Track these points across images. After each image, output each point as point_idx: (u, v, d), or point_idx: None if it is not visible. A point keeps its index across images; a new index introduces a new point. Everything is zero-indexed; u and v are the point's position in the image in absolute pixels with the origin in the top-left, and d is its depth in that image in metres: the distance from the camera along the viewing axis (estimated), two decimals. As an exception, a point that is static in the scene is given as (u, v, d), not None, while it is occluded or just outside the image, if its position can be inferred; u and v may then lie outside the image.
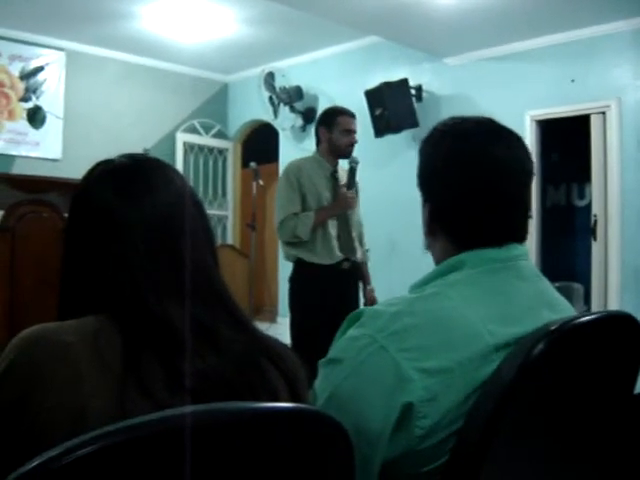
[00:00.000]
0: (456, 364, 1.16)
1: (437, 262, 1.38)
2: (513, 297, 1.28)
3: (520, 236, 1.36)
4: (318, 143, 4.64)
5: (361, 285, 4.78)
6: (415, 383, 1.15)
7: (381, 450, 1.16)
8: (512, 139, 1.37)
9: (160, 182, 1.17)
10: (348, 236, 4.64)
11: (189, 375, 1.01)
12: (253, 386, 1.07)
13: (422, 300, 1.26)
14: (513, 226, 1.35)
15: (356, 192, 4.66)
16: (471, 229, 1.33)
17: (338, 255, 4.46)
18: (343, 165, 4.67)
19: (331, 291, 4.37)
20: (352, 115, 4.62)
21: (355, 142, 4.56)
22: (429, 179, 1.39)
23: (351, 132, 4.54)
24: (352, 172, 4.57)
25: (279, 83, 8.83)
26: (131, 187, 1.16)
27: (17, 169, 7.87)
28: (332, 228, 4.51)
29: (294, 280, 4.61)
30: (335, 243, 4.49)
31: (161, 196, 1.15)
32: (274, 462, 0.88)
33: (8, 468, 0.88)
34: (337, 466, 0.94)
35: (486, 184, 1.32)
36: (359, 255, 4.68)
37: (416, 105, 7.54)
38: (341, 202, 4.54)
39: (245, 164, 9.61)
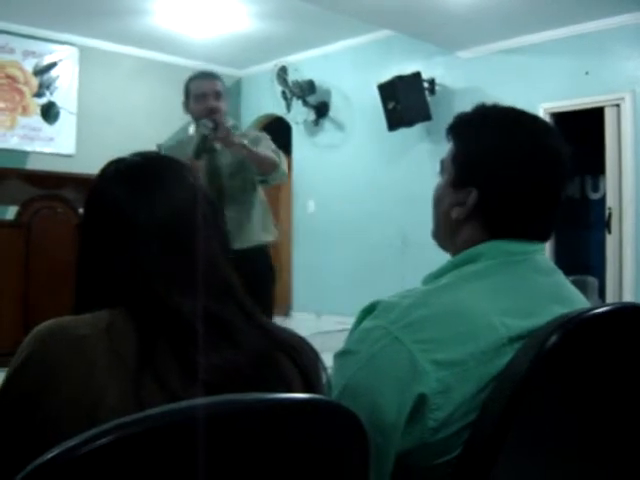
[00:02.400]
0: (470, 356, 1.16)
1: (459, 248, 1.35)
2: (528, 290, 1.28)
3: (547, 235, 1.36)
4: None
5: None
6: (429, 375, 1.15)
7: (395, 441, 1.16)
8: (554, 130, 1.37)
9: (171, 179, 1.19)
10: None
11: (204, 367, 1.02)
12: (268, 379, 1.08)
13: (437, 292, 1.26)
14: (548, 222, 1.35)
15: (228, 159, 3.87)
16: (515, 218, 1.31)
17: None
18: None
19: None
20: (208, 76, 3.98)
21: (214, 106, 3.78)
22: (477, 165, 1.34)
23: (206, 96, 3.81)
24: (202, 141, 3.73)
25: (292, 77, 8.83)
26: (143, 184, 1.18)
27: (31, 165, 7.90)
28: None
29: None
30: None
31: (172, 193, 1.17)
32: (290, 453, 0.88)
33: (24, 458, 0.89)
34: (352, 457, 0.95)
35: (546, 177, 1.32)
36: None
37: (429, 99, 7.53)
38: None
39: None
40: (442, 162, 1.42)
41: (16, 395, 1.01)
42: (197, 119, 3.83)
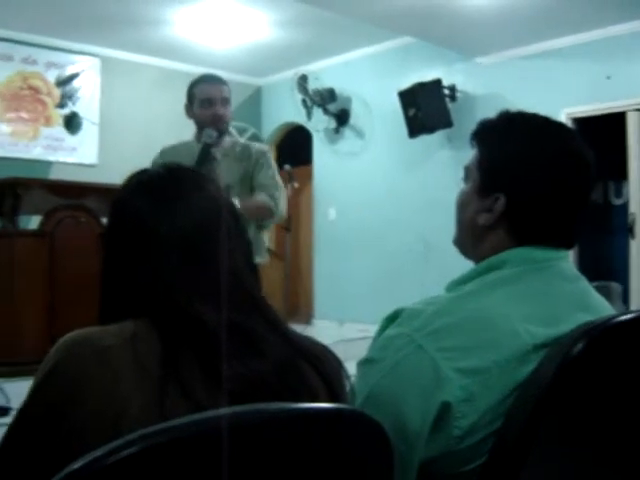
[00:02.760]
0: (494, 364, 1.16)
1: (484, 255, 1.34)
2: (553, 297, 1.27)
3: (572, 242, 1.36)
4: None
5: None
6: (453, 383, 1.14)
7: (419, 449, 1.16)
8: (578, 136, 1.37)
9: (194, 190, 1.20)
10: None
11: (228, 377, 1.02)
12: (292, 388, 1.08)
13: (460, 299, 1.25)
14: (573, 230, 1.35)
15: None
16: (543, 224, 1.31)
17: None
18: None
19: None
20: (215, 80, 3.84)
21: (220, 113, 3.71)
22: (503, 171, 1.33)
23: (212, 101, 3.72)
24: (204, 150, 3.66)
25: (312, 85, 8.84)
26: (165, 196, 1.19)
27: (54, 174, 7.97)
28: None
29: None
30: None
31: (194, 204, 1.18)
32: (314, 463, 0.88)
33: (49, 469, 0.90)
34: (377, 466, 0.94)
35: (574, 184, 1.31)
36: None
37: (450, 105, 7.52)
38: None
39: (279, 166, 9.62)
40: (466, 168, 1.41)
41: (42, 405, 1.02)
42: (201, 125, 3.75)
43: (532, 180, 1.31)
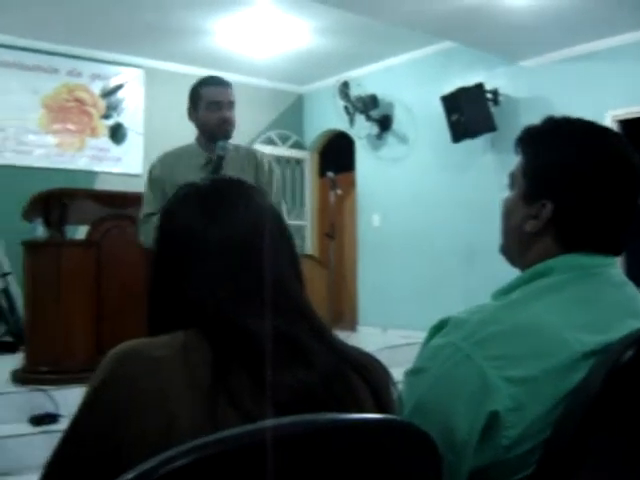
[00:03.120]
0: (543, 372, 1.14)
1: (530, 263, 1.33)
2: (601, 304, 1.26)
3: (620, 249, 1.34)
4: (195, 127, 3.82)
5: None
6: (501, 392, 1.13)
7: (467, 459, 1.15)
8: (626, 141, 1.35)
9: (240, 201, 1.21)
10: None
11: (277, 388, 1.03)
12: (340, 398, 1.08)
13: (508, 308, 1.24)
14: (622, 236, 1.33)
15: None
16: (590, 232, 1.30)
17: None
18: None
19: None
20: (223, 83, 3.72)
21: (228, 117, 3.67)
22: (550, 177, 1.32)
23: (221, 104, 3.64)
24: (218, 162, 3.61)
25: (354, 92, 8.84)
26: (213, 207, 1.20)
27: (100, 185, 8.07)
28: None
29: None
30: None
31: (242, 215, 1.19)
32: (363, 473, 0.88)
33: (101, 479, 0.91)
34: (425, 476, 0.94)
35: (621, 191, 1.30)
36: None
37: (493, 109, 7.46)
38: None
39: (322, 174, 9.67)
40: (511, 175, 1.40)
41: (94, 417, 1.04)
42: (206, 128, 3.69)
43: (579, 186, 1.29)
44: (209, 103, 3.64)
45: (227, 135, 3.67)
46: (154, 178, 3.77)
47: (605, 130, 1.38)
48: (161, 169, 3.77)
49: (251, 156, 3.84)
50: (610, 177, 1.29)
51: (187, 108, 3.79)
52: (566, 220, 1.30)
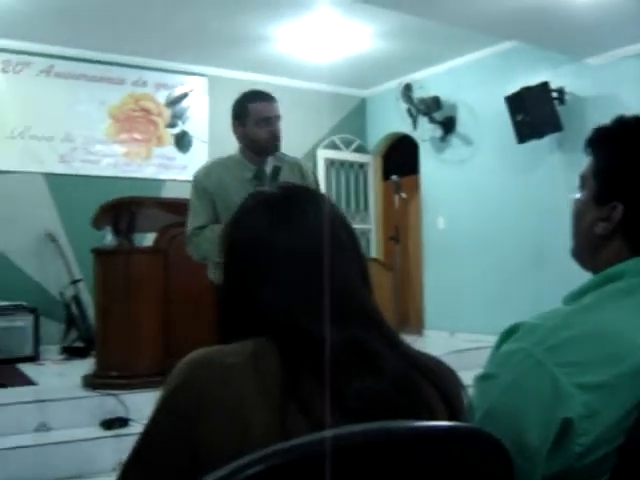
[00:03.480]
0: (616, 379, 1.12)
1: (602, 266, 1.31)
2: (675, 309, 1.22)
3: None
4: (238, 140, 3.83)
5: None
6: (574, 399, 1.11)
7: (540, 466, 1.13)
8: None
9: (309, 209, 1.22)
10: None
11: (348, 395, 1.03)
12: (411, 405, 1.08)
13: (579, 313, 1.22)
14: None
15: None
16: None
17: None
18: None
19: None
20: (269, 99, 3.76)
21: (277, 132, 3.70)
22: (621, 179, 1.30)
23: (270, 120, 3.68)
24: (275, 173, 3.65)
25: (417, 94, 8.80)
26: (281, 215, 1.20)
27: (166, 193, 8.19)
28: None
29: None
30: None
31: (311, 222, 1.19)
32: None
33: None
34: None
35: None
36: None
37: (559, 108, 7.34)
38: None
39: (386, 177, 9.65)
40: (582, 177, 1.38)
41: (167, 422, 1.05)
42: (254, 143, 3.70)
43: None
44: (259, 119, 3.67)
45: (276, 149, 3.70)
46: (202, 189, 3.73)
47: None
48: (209, 180, 3.75)
49: (295, 166, 3.87)
50: None
51: (232, 122, 3.80)
52: (636, 222, 1.28)
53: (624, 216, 1.28)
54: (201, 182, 3.75)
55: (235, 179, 3.68)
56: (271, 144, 3.67)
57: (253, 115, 3.67)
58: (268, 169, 3.69)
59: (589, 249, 1.36)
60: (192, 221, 3.70)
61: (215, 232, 3.54)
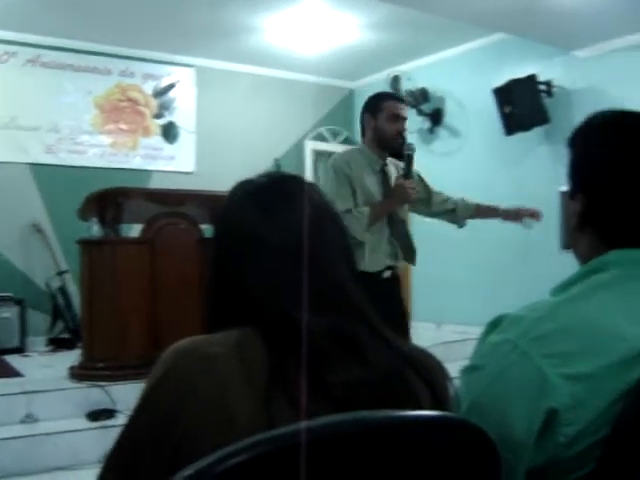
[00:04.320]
0: (601, 369, 1.12)
1: (582, 260, 1.34)
2: (661, 300, 1.23)
3: None
4: (363, 133, 4.21)
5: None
6: (559, 389, 1.12)
7: (525, 458, 1.13)
8: None
9: (298, 199, 1.21)
10: (405, 235, 4.26)
11: (333, 385, 1.03)
12: (397, 396, 1.08)
13: (565, 304, 1.23)
14: None
15: (417, 181, 4.27)
16: (626, 226, 1.28)
17: (385, 262, 4.05)
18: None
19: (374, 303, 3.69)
20: (401, 100, 4.25)
21: (404, 130, 4.12)
22: (589, 171, 1.33)
23: (399, 118, 4.08)
24: (409, 160, 4.08)
25: (405, 86, 8.80)
26: (270, 205, 1.20)
27: (153, 183, 8.18)
28: (385, 227, 4.07)
29: None
30: (386, 247, 4.06)
31: (299, 212, 1.18)
32: (421, 471, 0.88)
33: (159, 476, 0.91)
34: (484, 474, 0.93)
35: None
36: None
37: (547, 101, 7.34)
38: (400, 194, 4.03)
39: (373, 169, 9.63)
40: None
41: (151, 412, 1.05)
42: (381, 137, 4.05)
43: (607, 179, 1.29)
44: (390, 115, 4.04)
45: (399, 146, 4.09)
46: (344, 176, 3.99)
47: (634, 122, 1.34)
48: (348, 167, 4.03)
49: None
50: (635, 171, 1.27)
51: (362, 116, 4.17)
52: (600, 214, 1.30)
53: (587, 209, 1.31)
54: (342, 169, 4.01)
55: (367, 169, 4.06)
56: (396, 141, 4.06)
57: (387, 111, 4.05)
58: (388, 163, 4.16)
59: (571, 242, 1.38)
60: (340, 204, 3.80)
61: (365, 215, 3.88)
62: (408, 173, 4.06)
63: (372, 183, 4.05)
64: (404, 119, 4.12)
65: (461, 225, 4.83)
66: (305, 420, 0.85)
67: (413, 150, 4.07)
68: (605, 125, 1.36)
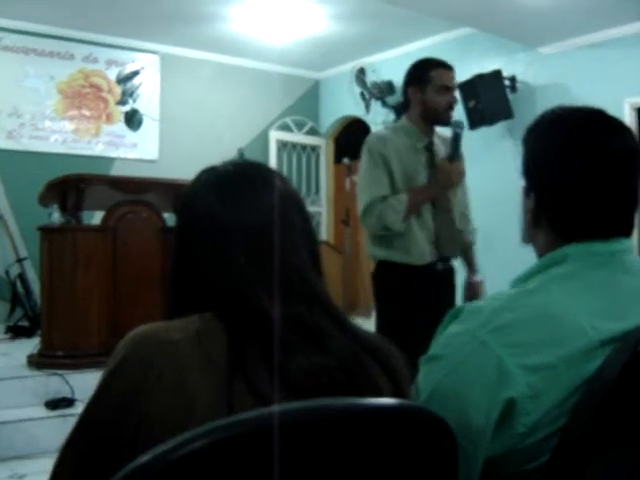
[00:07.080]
0: (559, 360, 1.14)
1: (540, 254, 1.36)
2: (618, 292, 1.25)
3: (627, 229, 1.33)
4: (406, 108, 3.64)
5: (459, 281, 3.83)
6: (518, 379, 1.13)
7: (483, 447, 1.15)
8: (625, 132, 1.33)
9: (261, 186, 1.21)
10: (450, 226, 3.62)
11: (293, 372, 1.03)
12: (357, 383, 1.09)
13: (524, 295, 1.24)
14: (621, 219, 1.32)
15: (463, 164, 3.69)
16: (578, 221, 1.30)
17: (433, 253, 3.52)
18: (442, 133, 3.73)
19: (425, 296, 3.42)
20: (450, 67, 3.57)
21: (455, 102, 3.56)
22: (537, 168, 1.36)
23: (450, 89, 3.52)
24: (456, 140, 3.56)
25: (370, 78, 8.82)
26: (234, 192, 1.20)
27: (116, 171, 8.12)
28: (428, 216, 3.53)
29: (381, 283, 3.60)
30: (430, 237, 3.52)
31: (262, 200, 1.19)
32: (379, 458, 0.88)
33: (117, 461, 0.91)
34: (441, 463, 0.94)
35: (598, 176, 1.28)
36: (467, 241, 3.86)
37: (510, 96, 7.42)
38: (444, 178, 3.52)
39: (338, 160, 9.65)
40: None
41: (109, 399, 1.05)
42: (429, 110, 3.51)
43: (556, 178, 1.31)
44: (440, 86, 3.49)
45: (449, 120, 3.56)
46: (379, 156, 3.50)
47: (589, 119, 1.35)
48: (385, 148, 3.51)
49: (446, 141, 3.71)
50: (579, 165, 1.29)
51: (404, 87, 3.62)
52: (552, 212, 1.33)
53: (539, 206, 1.34)
54: (377, 149, 3.53)
55: (408, 148, 3.53)
56: (447, 114, 3.52)
57: (435, 82, 3.49)
58: (435, 140, 3.60)
59: (529, 237, 1.40)
60: (374, 189, 3.45)
61: (402, 202, 3.39)
62: (455, 154, 3.54)
63: (416, 164, 3.52)
64: (455, 89, 3.59)
65: None
66: (264, 407, 0.86)
67: (462, 128, 3.56)
68: (555, 123, 1.37)
